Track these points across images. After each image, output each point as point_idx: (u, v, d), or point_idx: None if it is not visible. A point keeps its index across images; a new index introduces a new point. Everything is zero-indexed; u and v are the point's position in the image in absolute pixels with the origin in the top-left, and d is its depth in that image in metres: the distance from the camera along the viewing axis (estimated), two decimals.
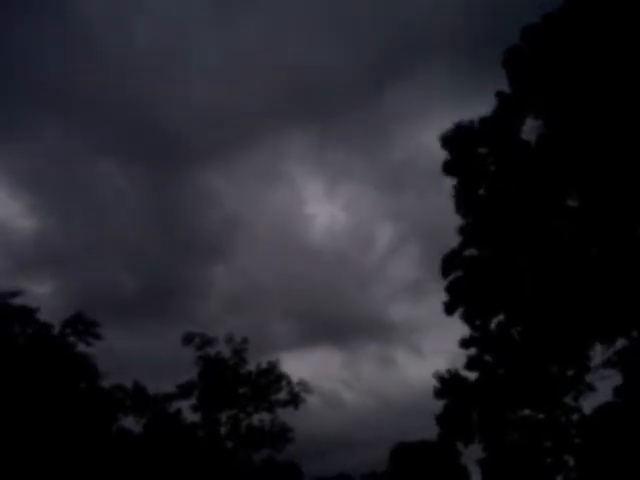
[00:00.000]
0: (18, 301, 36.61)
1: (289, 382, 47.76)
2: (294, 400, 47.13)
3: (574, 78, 22.82)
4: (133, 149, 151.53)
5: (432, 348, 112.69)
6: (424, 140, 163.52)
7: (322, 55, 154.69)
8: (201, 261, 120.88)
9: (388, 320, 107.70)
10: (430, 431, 28.70)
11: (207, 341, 48.03)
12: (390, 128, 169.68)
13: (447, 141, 25.56)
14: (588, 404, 25.47)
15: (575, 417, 25.79)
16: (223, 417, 47.09)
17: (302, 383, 47.76)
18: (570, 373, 25.29)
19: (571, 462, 26.17)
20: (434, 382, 27.83)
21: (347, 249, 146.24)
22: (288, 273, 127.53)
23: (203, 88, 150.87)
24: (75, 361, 37.57)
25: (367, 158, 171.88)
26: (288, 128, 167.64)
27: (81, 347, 38.85)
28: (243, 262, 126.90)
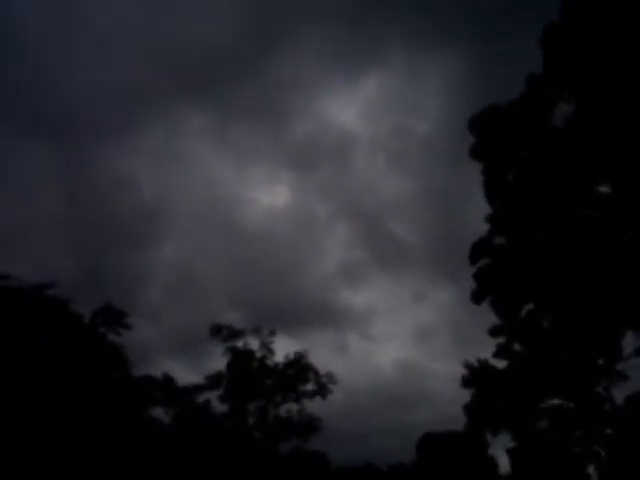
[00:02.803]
0: (51, 292, 37.30)
1: (316, 373, 47.95)
2: (321, 391, 47.31)
3: (613, 61, 22.24)
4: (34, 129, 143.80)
5: (384, 333, 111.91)
6: (322, 111, 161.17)
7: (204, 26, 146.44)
8: (128, 248, 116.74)
9: (334, 305, 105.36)
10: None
11: (234, 333, 48.36)
12: (283, 99, 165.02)
13: (475, 124, 25.03)
14: (620, 393, 25.14)
15: (606, 406, 25.44)
16: (251, 408, 47.42)
17: (329, 375, 47.99)
18: (601, 362, 24.95)
19: (602, 453, 25.87)
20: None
21: (280, 232, 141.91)
22: (226, 259, 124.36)
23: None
24: (106, 350, 38.16)
25: (270, 133, 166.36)
26: (184, 105, 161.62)
27: (111, 337, 39.53)
28: (176, 249, 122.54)
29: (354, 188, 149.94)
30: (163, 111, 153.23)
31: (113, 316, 39.28)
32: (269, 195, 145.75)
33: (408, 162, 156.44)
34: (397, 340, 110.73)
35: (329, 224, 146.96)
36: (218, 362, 48.68)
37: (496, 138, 24.78)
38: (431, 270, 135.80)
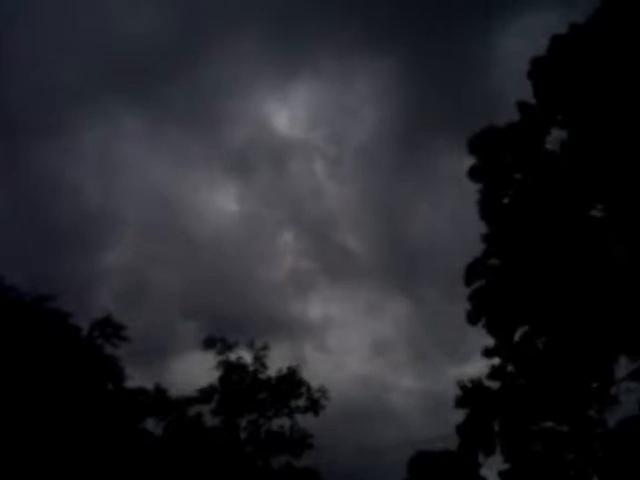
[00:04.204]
0: (52, 305, 37.54)
1: (309, 388, 47.86)
2: (314, 406, 47.19)
3: (601, 90, 22.72)
4: None
5: (339, 346, 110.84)
6: (257, 116, 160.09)
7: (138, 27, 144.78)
8: (73, 254, 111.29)
9: (288, 316, 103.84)
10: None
11: (228, 346, 48.31)
12: (217, 103, 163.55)
13: (474, 145, 25.46)
14: (613, 417, 25.21)
15: (599, 430, 25.52)
16: (243, 422, 47.32)
17: (321, 390, 47.89)
18: (594, 385, 25.05)
19: (594, 477, 25.93)
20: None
21: (228, 239, 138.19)
22: (173, 265, 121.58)
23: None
24: (103, 363, 38.34)
25: (205, 138, 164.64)
26: (117, 107, 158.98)
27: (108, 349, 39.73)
28: (123, 255, 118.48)
29: (296, 195, 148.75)
30: (97, 113, 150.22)
31: (111, 329, 39.55)
32: (212, 201, 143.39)
33: (346, 169, 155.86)
34: (354, 353, 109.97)
35: (275, 231, 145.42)
36: (171, 374, 47.40)
37: (495, 159, 25.09)
38: (382, 281, 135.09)
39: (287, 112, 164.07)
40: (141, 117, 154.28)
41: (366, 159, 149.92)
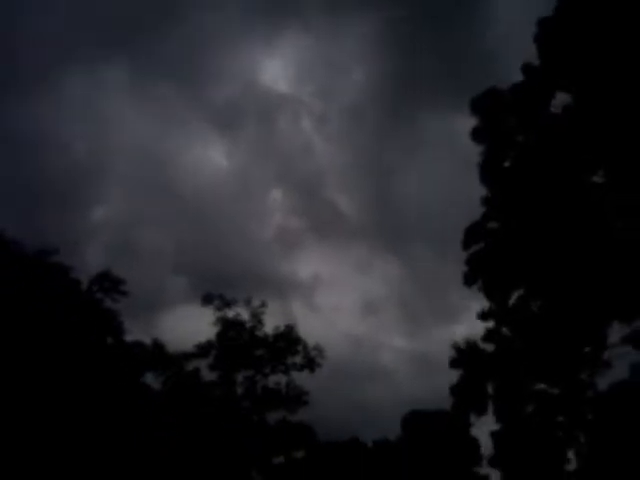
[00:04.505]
0: (54, 259, 37.73)
1: (305, 346, 48.37)
2: (310, 364, 47.77)
3: (608, 54, 22.32)
4: None
5: (328, 304, 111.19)
6: (243, 71, 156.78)
7: None
8: (61, 209, 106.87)
9: (277, 274, 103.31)
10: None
11: (226, 303, 48.63)
12: (202, 56, 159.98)
13: (477, 106, 25.14)
14: (604, 382, 25.53)
15: (589, 394, 25.85)
16: (239, 377, 47.94)
17: (317, 348, 48.40)
18: (587, 349, 25.29)
19: (582, 438, 26.35)
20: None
21: (215, 195, 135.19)
22: (162, 222, 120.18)
23: None
24: (103, 316, 38.75)
25: (191, 92, 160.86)
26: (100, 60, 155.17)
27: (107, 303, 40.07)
28: (110, 211, 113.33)
29: (284, 153, 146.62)
30: (80, 65, 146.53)
31: (110, 283, 39.79)
32: (200, 157, 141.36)
33: (335, 127, 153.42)
34: (344, 312, 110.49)
35: (264, 188, 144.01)
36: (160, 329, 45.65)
37: (498, 121, 24.81)
38: (372, 241, 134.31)
39: (274, 67, 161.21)
40: (126, 71, 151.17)
41: (354, 118, 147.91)
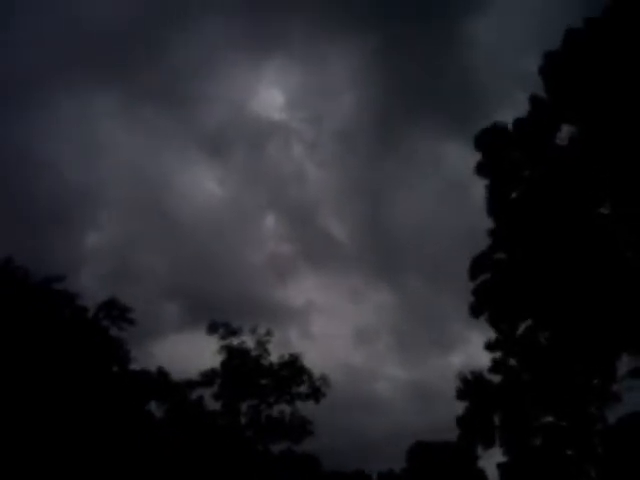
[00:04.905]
0: (60, 286, 37.81)
1: (310, 376, 48.03)
2: (315, 394, 47.41)
3: (615, 87, 22.52)
4: None
5: (321, 332, 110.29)
6: (231, 98, 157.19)
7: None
8: (54, 233, 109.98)
9: (270, 300, 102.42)
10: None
11: (231, 331, 48.46)
12: (191, 85, 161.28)
13: (480, 142, 25.48)
14: (613, 414, 25.26)
15: (599, 427, 25.58)
16: (244, 407, 47.59)
17: (323, 378, 48.06)
18: (596, 382, 25.09)
19: (592, 472, 26.00)
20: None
21: (208, 221, 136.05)
22: (154, 247, 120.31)
23: None
24: (109, 344, 38.67)
25: (181, 119, 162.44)
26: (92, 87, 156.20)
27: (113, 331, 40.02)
28: (103, 236, 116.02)
29: (276, 179, 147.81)
30: (70, 92, 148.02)
31: (116, 311, 39.75)
32: (191, 182, 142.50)
33: (325, 153, 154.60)
34: (338, 341, 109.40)
35: (256, 215, 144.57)
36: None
37: (502, 156, 25.04)
38: (365, 269, 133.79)
39: (263, 94, 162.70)
40: (115, 97, 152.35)
41: (343, 143, 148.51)
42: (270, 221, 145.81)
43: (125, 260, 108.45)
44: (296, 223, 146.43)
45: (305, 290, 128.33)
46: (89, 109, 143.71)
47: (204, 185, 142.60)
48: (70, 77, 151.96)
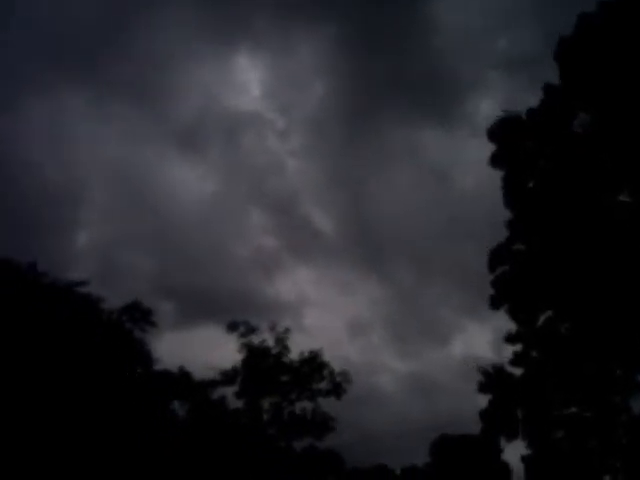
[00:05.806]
0: (84, 290, 38.38)
1: (331, 372, 48.11)
2: (336, 390, 47.48)
3: (630, 72, 22.16)
4: None
5: (314, 325, 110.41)
6: (200, 89, 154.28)
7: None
8: (41, 234, 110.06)
9: (262, 294, 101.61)
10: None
11: (251, 329, 48.69)
12: (158, 76, 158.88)
13: (494, 133, 25.24)
14: (638, 405, 24.88)
15: (623, 417, 25.23)
16: (265, 404, 47.79)
17: (343, 373, 48.13)
18: (619, 372, 24.75)
19: (617, 463, 25.66)
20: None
21: (193, 216, 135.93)
22: (141, 244, 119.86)
23: None
24: (133, 347, 39.23)
25: (153, 112, 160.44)
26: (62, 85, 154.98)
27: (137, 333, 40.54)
28: (90, 235, 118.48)
29: (255, 170, 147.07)
30: (40, 90, 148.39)
31: (140, 314, 40.26)
32: (173, 178, 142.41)
33: (299, 142, 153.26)
34: (333, 334, 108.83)
35: (241, 208, 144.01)
36: None
37: (516, 147, 24.79)
38: (352, 260, 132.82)
39: (231, 85, 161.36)
40: (86, 93, 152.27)
41: (316, 132, 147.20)
42: (253, 215, 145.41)
43: (109, 259, 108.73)
44: (279, 215, 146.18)
45: (295, 283, 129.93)
46: (60, 109, 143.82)
47: (184, 181, 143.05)
48: (40, 78, 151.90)
